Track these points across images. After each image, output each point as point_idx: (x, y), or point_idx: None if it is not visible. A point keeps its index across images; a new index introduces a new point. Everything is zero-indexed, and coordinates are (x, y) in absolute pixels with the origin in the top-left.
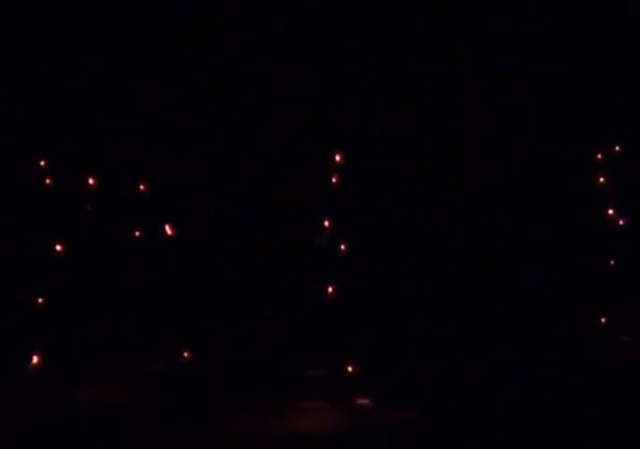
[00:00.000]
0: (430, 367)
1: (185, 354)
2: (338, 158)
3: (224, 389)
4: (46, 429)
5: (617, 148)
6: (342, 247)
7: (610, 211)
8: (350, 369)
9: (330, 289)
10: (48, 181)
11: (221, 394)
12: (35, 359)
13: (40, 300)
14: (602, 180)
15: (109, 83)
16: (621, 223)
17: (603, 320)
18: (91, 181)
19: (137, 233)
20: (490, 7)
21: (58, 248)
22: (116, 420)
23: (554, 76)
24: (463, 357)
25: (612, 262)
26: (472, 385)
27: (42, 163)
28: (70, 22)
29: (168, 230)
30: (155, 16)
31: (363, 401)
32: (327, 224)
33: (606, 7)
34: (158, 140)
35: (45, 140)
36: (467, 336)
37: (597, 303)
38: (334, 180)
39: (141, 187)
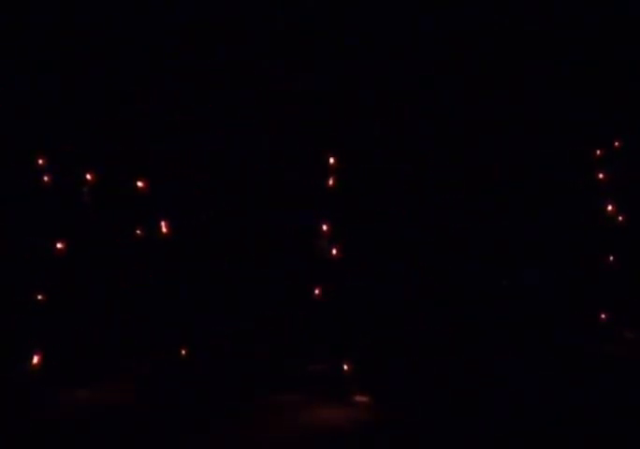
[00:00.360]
0: (430, 367)
1: (185, 354)
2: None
3: (224, 389)
4: (46, 429)
5: (616, 147)
6: (343, 247)
7: (610, 211)
8: (350, 368)
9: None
10: (47, 180)
11: (221, 394)
12: (35, 359)
13: (40, 300)
14: (601, 180)
15: (108, 83)
16: (621, 222)
17: (603, 319)
18: (91, 181)
19: (137, 233)
20: (490, 7)
21: (58, 247)
22: (116, 420)
23: (554, 76)
24: (463, 357)
25: (612, 261)
26: (472, 385)
27: (42, 162)
28: (70, 22)
29: (164, 228)
30: (155, 16)
31: (361, 399)
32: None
33: (606, 7)
34: (158, 140)
35: (45, 140)
36: (467, 336)
37: (597, 302)
38: (334, 180)
39: (141, 187)
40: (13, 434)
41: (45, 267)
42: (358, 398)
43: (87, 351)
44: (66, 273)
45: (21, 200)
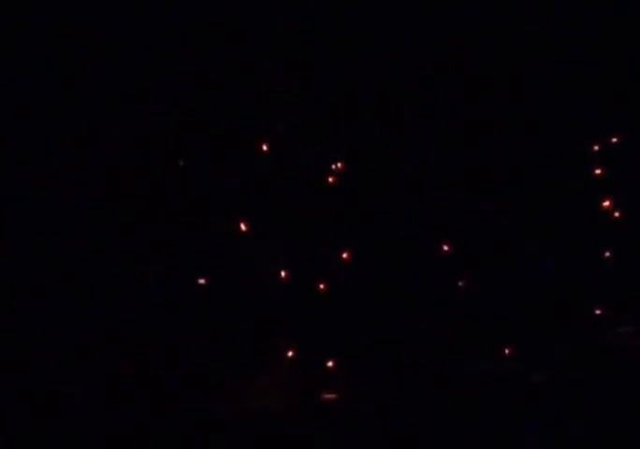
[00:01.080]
0: (430, 367)
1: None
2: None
3: (223, 389)
4: (48, 429)
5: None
6: (343, 247)
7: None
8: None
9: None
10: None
11: (221, 393)
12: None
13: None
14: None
15: (109, 83)
16: (621, 221)
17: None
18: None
19: (135, 233)
20: (490, 7)
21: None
22: (117, 420)
23: (554, 76)
24: (463, 357)
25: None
26: (472, 385)
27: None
28: (70, 22)
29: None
30: (155, 16)
31: (330, 397)
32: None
33: (606, 7)
34: (158, 140)
35: (45, 140)
36: (466, 336)
37: (597, 301)
38: (334, 180)
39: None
40: (14, 434)
41: (45, 268)
42: (327, 396)
43: (87, 351)
44: (66, 273)
45: (21, 201)
